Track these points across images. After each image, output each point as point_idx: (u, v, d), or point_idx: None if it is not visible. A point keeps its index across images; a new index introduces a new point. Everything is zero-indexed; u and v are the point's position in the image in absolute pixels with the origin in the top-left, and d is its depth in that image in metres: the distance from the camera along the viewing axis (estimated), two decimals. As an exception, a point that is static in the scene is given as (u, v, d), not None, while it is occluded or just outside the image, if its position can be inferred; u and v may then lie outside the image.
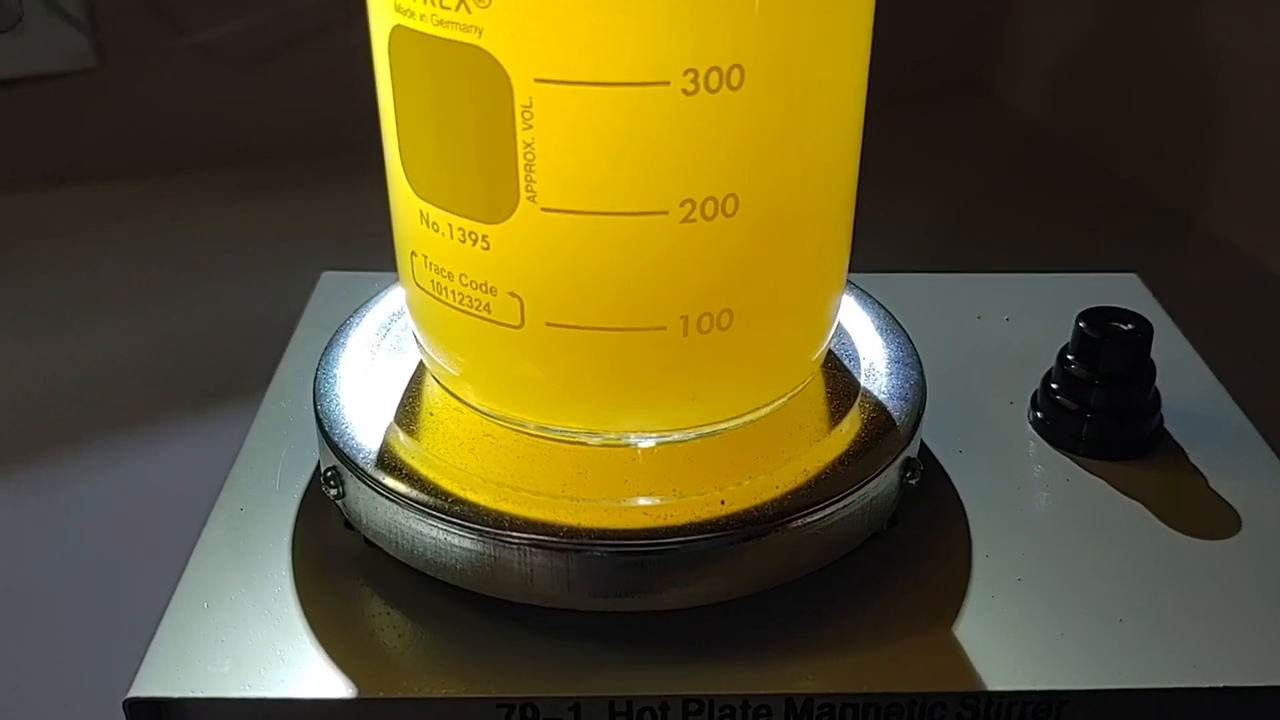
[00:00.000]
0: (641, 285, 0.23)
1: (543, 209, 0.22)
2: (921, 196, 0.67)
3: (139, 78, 0.68)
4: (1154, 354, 0.30)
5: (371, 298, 0.31)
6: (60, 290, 0.60)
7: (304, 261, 0.61)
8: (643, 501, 0.24)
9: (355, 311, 0.30)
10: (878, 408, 0.27)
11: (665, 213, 0.22)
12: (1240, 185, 0.58)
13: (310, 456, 0.29)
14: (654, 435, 0.25)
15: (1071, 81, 0.72)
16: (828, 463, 0.25)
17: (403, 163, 0.24)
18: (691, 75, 0.21)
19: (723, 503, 0.24)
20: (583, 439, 0.25)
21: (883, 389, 0.27)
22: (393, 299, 0.30)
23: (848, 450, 0.25)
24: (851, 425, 0.26)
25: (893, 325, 0.30)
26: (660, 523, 0.23)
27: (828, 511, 0.24)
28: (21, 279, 0.61)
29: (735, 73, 0.21)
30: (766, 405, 0.26)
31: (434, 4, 0.21)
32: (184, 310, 0.58)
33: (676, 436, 0.25)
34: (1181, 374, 0.33)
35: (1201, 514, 0.28)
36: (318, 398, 0.27)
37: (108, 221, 0.65)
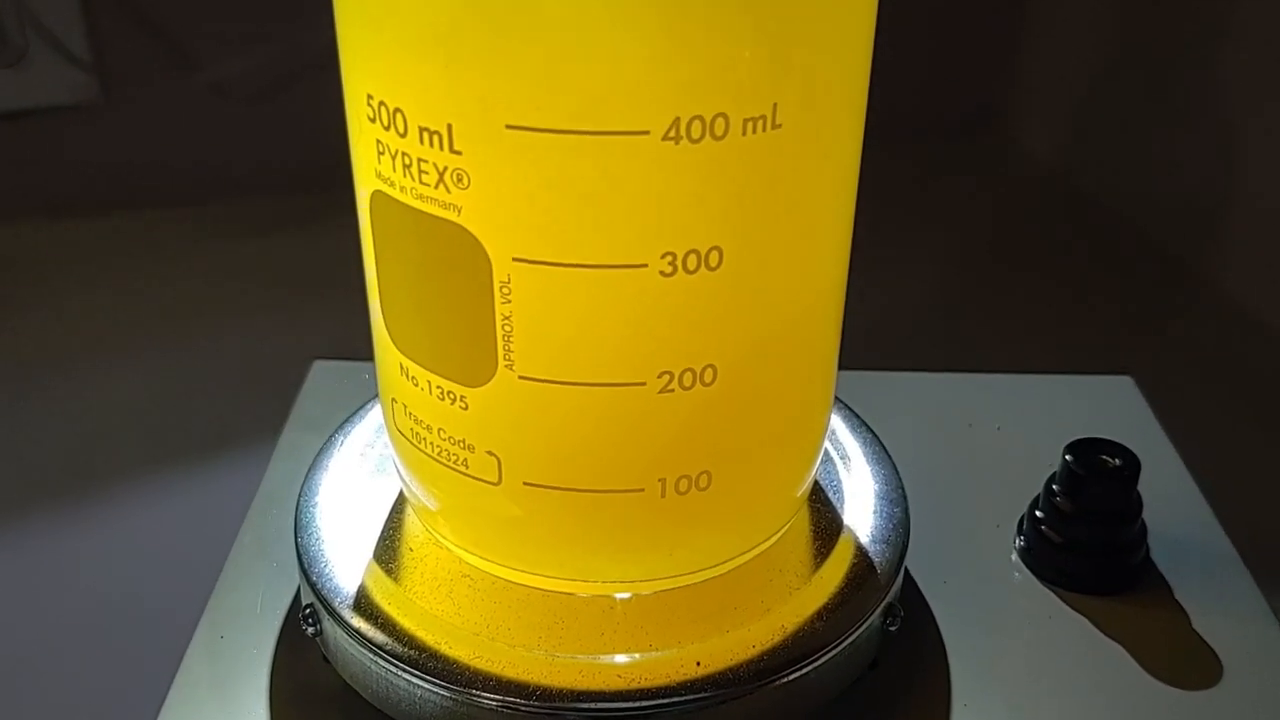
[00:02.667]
0: (619, 451, 0.23)
1: (520, 377, 0.22)
2: (922, 249, 0.67)
3: (143, 112, 0.68)
4: (1143, 466, 0.29)
5: (358, 410, 0.31)
6: (61, 325, 0.60)
7: (310, 296, 0.61)
8: (619, 659, 0.24)
9: (339, 427, 0.30)
10: (859, 552, 0.27)
11: (643, 384, 0.22)
12: (1254, 241, 0.58)
13: (293, 576, 0.29)
14: (632, 587, 0.25)
15: (1084, 127, 0.71)
16: (806, 617, 0.25)
17: (384, 316, 0.24)
18: (669, 258, 0.21)
19: (698, 664, 0.24)
20: (559, 589, 0.25)
21: (865, 530, 0.27)
22: (379, 413, 0.30)
23: (826, 603, 0.25)
24: (832, 573, 0.26)
25: (879, 454, 0.30)
26: (634, 685, 0.23)
27: (803, 671, 0.24)
28: (22, 312, 0.61)
29: (714, 254, 0.21)
30: (747, 552, 0.26)
31: (414, 179, 0.21)
32: (187, 347, 0.59)
33: (655, 587, 0.25)
34: (1169, 494, 0.32)
35: (1183, 658, 0.28)
36: (299, 529, 0.27)
37: (111, 255, 0.66)
